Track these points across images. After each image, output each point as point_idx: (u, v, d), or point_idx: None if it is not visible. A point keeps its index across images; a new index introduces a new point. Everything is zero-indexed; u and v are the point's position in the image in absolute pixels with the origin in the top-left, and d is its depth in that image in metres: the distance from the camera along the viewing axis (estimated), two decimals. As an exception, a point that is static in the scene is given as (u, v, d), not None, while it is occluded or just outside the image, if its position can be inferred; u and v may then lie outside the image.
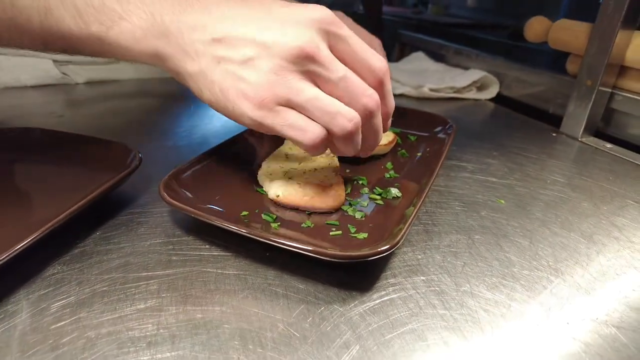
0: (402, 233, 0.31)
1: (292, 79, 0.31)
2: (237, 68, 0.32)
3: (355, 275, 0.33)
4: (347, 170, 0.47)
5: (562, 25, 0.67)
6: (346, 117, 0.32)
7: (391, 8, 2.57)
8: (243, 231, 0.32)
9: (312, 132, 0.32)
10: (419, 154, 0.51)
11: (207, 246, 0.35)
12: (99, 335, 0.27)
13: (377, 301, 0.31)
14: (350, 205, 0.40)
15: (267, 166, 0.43)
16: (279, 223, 0.36)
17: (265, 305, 0.30)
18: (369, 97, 0.33)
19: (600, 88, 0.60)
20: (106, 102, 0.74)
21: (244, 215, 0.37)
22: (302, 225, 0.36)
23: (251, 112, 0.32)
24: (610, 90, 0.61)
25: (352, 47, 0.33)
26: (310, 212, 0.38)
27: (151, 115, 0.69)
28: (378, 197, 0.41)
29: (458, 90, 0.80)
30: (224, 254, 0.35)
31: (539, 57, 0.99)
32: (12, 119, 0.63)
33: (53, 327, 0.27)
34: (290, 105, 0.32)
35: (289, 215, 0.38)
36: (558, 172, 0.53)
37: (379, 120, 0.35)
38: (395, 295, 0.31)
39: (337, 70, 0.32)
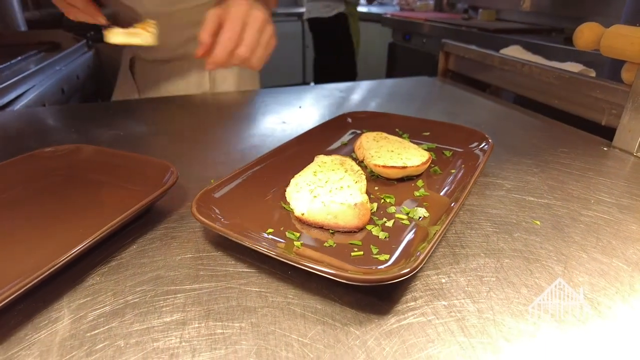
0: (422, 257, 0.31)
1: None
2: None
3: (375, 297, 0.33)
4: (376, 188, 0.47)
5: (617, 31, 0.63)
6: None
7: (441, 14, 2.52)
8: (265, 250, 0.33)
9: None
10: (453, 171, 0.50)
11: (233, 262, 0.37)
12: (128, 344, 0.29)
13: (395, 325, 0.30)
14: (376, 224, 0.40)
15: (295, 183, 0.44)
16: (302, 242, 0.37)
17: (282, 324, 0.30)
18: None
19: (658, 99, 0.56)
20: (157, 118, 0.78)
21: (270, 232, 0.38)
22: (324, 244, 0.37)
23: None
24: (670, 101, 0.56)
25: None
26: (334, 231, 0.39)
27: (196, 130, 0.72)
28: (404, 216, 0.41)
29: None
30: (248, 270, 0.36)
31: (597, 63, 0.93)
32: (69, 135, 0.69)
33: (89, 334, 0.30)
34: None
35: (313, 233, 0.39)
36: (605, 190, 0.49)
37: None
38: (413, 320, 0.31)
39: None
